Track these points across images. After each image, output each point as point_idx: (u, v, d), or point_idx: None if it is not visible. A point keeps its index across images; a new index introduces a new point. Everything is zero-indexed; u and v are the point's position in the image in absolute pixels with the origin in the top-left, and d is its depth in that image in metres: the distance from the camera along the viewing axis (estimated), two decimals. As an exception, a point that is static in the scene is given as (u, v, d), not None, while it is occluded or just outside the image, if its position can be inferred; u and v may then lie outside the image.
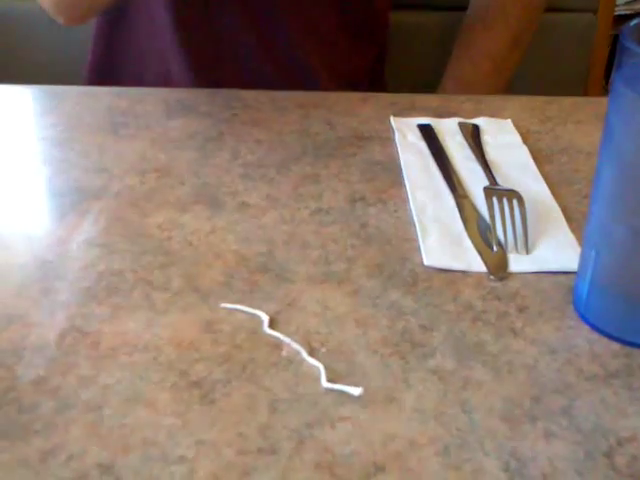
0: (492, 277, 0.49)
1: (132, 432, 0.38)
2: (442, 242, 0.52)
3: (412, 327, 0.45)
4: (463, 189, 0.59)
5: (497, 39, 0.92)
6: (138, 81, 0.88)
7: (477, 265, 0.50)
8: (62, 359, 0.42)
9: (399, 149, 0.64)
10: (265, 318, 0.45)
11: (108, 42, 0.90)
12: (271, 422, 0.39)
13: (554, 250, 0.52)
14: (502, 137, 0.66)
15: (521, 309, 0.47)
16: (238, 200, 0.57)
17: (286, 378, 0.41)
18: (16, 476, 0.36)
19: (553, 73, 1.04)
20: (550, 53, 1.03)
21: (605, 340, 0.45)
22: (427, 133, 0.66)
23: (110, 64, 0.91)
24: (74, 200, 0.57)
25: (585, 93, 1.09)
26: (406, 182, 0.59)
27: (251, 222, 0.55)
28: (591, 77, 1.10)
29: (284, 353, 0.43)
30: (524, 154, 0.64)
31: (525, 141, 0.66)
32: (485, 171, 0.60)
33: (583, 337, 0.45)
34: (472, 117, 0.69)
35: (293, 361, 0.42)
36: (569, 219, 0.55)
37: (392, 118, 0.69)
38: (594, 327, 0.45)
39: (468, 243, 0.53)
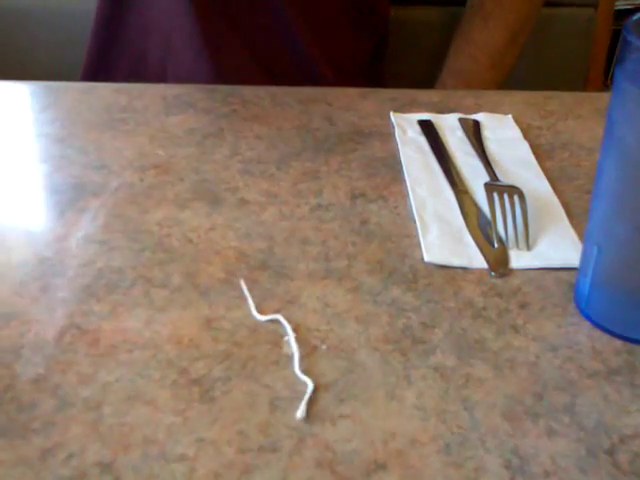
0: (493, 273, 0.49)
1: (132, 430, 0.38)
2: (442, 238, 0.52)
3: (413, 324, 0.45)
4: (464, 185, 0.58)
5: (495, 33, 0.92)
6: (138, 61, 0.88)
7: (478, 261, 0.50)
8: (61, 357, 0.42)
9: (399, 145, 0.64)
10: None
11: (109, 21, 0.90)
12: (271, 420, 0.39)
13: (555, 246, 0.52)
14: (503, 132, 0.66)
15: (522, 306, 0.47)
16: (238, 196, 0.57)
17: (286, 375, 0.41)
18: (16, 475, 0.36)
19: (553, 68, 1.03)
20: (550, 48, 1.03)
21: (607, 337, 0.44)
22: (427, 129, 0.66)
23: (111, 40, 0.91)
24: (73, 197, 0.56)
25: (585, 88, 1.09)
26: (406, 178, 0.59)
27: (251, 218, 0.54)
28: (591, 72, 1.10)
29: (285, 349, 0.43)
30: (525, 150, 0.64)
31: (526, 136, 0.65)
32: (486, 167, 0.60)
33: (585, 334, 0.45)
34: (472, 112, 0.69)
35: (293, 358, 0.42)
36: (570, 215, 0.55)
37: (392, 114, 0.68)
38: (596, 324, 0.45)
39: (469, 239, 0.52)
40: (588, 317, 0.46)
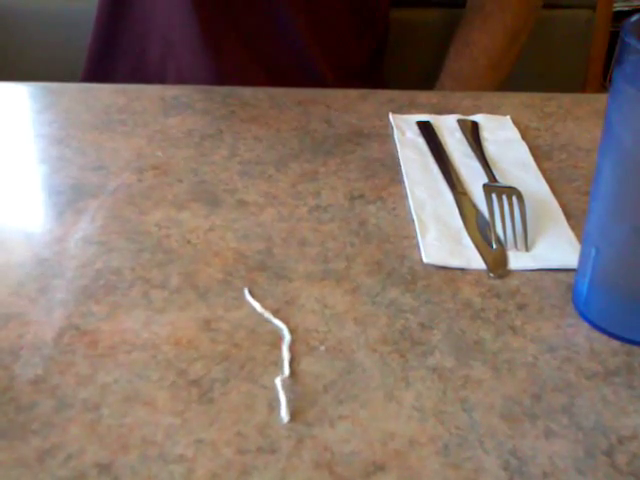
0: (491, 275, 0.49)
1: (130, 431, 0.38)
2: (441, 240, 0.52)
3: (411, 325, 0.45)
4: (462, 186, 0.58)
5: (494, 35, 0.92)
6: (138, 61, 0.89)
7: (476, 262, 0.50)
8: (60, 358, 0.42)
9: (398, 146, 0.64)
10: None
11: (109, 21, 0.90)
12: (270, 421, 0.39)
13: (553, 247, 0.52)
14: (501, 134, 0.66)
15: (521, 307, 0.47)
16: (236, 197, 0.57)
17: (285, 376, 0.41)
18: (14, 476, 0.36)
19: (551, 70, 1.04)
20: (548, 50, 1.03)
21: (605, 338, 0.44)
22: (426, 130, 0.66)
23: (112, 40, 0.91)
24: (71, 198, 0.56)
25: (583, 90, 1.09)
26: (405, 179, 0.59)
27: (249, 220, 0.54)
28: (589, 74, 1.10)
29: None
30: (523, 151, 0.64)
31: (524, 138, 0.66)
32: (484, 168, 0.60)
33: (583, 335, 0.45)
34: (471, 114, 0.69)
35: (292, 358, 0.42)
36: (569, 216, 0.55)
37: (391, 115, 0.68)
38: (594, 325, 0.45)
39: (467, 240, 0.52)
40: (586, 318, 0.46)
